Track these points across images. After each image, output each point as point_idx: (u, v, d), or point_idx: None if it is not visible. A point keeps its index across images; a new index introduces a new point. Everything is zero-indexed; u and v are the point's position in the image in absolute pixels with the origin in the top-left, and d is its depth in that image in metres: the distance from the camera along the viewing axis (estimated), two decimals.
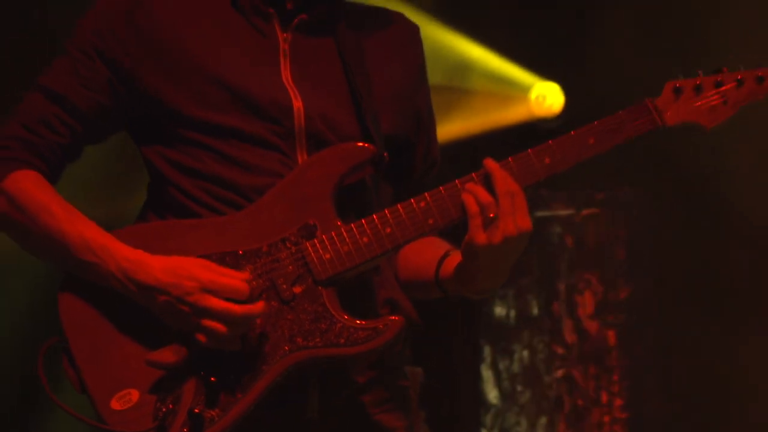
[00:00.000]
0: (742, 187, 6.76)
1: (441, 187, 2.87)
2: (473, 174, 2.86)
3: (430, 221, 2.84)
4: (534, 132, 7.18)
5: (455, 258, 2.97)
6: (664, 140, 5.65)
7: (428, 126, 3.17)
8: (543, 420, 7.47)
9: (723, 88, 2.94)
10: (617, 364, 7.35)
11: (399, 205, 2.85)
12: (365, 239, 2.83)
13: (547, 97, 7.24)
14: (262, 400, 2.78)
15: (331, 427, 2.88)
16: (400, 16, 3.22)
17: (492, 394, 7.53)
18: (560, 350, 7.46)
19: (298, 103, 2.92)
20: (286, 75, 2.96)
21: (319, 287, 2.80)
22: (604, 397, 7.34)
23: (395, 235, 2.84)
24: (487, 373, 7.55)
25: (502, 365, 7.54)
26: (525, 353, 7.54)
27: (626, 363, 7.36)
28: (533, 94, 7.25)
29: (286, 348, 2.78)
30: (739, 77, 2.94)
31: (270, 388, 2.78)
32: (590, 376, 7.40)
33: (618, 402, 7.32)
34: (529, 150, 2.86)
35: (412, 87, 3.14)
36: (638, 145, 2.91)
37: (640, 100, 2.94)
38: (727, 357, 6.78)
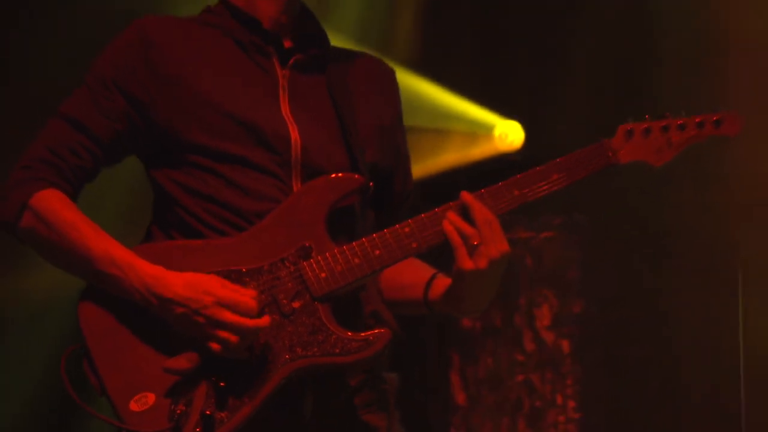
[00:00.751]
0: (680, 214, 6.96)
1: (423, 215, 3.00)
2: (451, 204, 2.99)
3: (414, 245, 2.96)
4: (499, 165, 7.48)
5: (442, 281, 3.12)
6: (614, 174, 6.19)
7: (405, 159, 3.29)
8: (505, 420, 7.77)
9: (668, 132, 3.12)
10: (571, 370, 7.66)
11: (386, 230, 2.97)
12: (356, 260, 2.95)
13: (509, 134, 7.56)
14: (267, 403, 2.89)
15: (325, 426, 2.99)
16: (380, 61, 3.37)
17: (460, 397, 7.81)
18: (520, 358, 7.76)
19: (295, 135, 3.04)
20: (285, 109, 3.08)
21: (316, 302, 2.92)
22: (559, 400, 7.67)
23: (383, 256, 2.95)
24: (455, 378, 7.83)
25: (468, 370, 7.84)
26: (489, 360, 7.82)
27: (578, 369, 7.66)
28: (497, 132, 7.57)
29: (287, 356, 2.90)
30: (680, 122, 3.12)
31: (273, 393, 2.89)
32: (547, 381, 7.72)
33: (571, 404, 7.64)
34: (500, 183, 3.01)
35: (392, 124, 3.26)
36: (591, 177, 3.05)
37: (597, 140, 3.09)
38: (663, 364, 7.13)
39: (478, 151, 7.59)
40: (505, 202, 2.97)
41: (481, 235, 2.91)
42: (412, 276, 3.16)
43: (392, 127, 3.26)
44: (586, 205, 7.41)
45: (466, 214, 2.94)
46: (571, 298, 7.49)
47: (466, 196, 2.95)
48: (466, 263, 2.92)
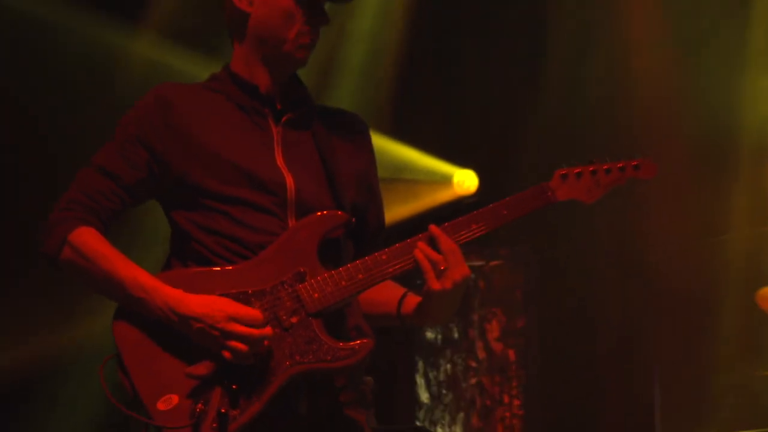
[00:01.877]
0: (605, 241, 7.48)
1: (397, 245, 3.09)
2: (420, 235, 3.07)
3: (390, 269, 3.06)
4: (458, 207, 7.87)
5: (412, 298, 3.20)
6: (550, 212, 6.41)
7: (378, 198, 3.36)
8: (461, 415, 8.24)
9: (596, 175, 3.22)
10: (515, 375, 8.20)
11: (367, 258, 3.07)
12: (343, 282, 3.04)
13: (465, 181, 8.04)
14: (271, 402, 2.96)
15: (317, 420, 3.05)
16: (355, 116, 3.43)
17: (424, 396, 8.27)
18: (474, 364, 8.23)
19: (289, 181, 3.12)
20: (279, 159, 3.15)
21: (310, 318, 3.01)
22: (506, 399, 8.20)
23: (365, 280, 3.04)
24: (420, 380, 8.27)
25: (431, 374, 8.26)
26: (448, 366, 8.27)
27: (522, 374, 8.19)
28: (455, 180, 8.02)
29: (288, 363, 2.97)
30: (606, 167, 3.23)
31: (277, 393, 2.97)
32: (496, 383, 8.22)
33: (516, 402, 8.18)
34: (460, 218, 3.10)
35: (366, 168, 3.33)
36: (533, 213, 3.19)
37: (538, 183, 3.19)
38: (589, 369, 7.77)
39: (440, 197, 8.00)
40: (464, 234, 3.07)
41: (446, 261, 3.01)
42: (386, 294, 3.21)
43: (366, 172, 3.32)
44: (526, 238, 7.87)
45: (433, 243, 3.04)
46: (516, 315, 8.00)
47: (433, 228, 3.05)
48: (434, 284, 3.03)
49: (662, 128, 7.19)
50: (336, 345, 2.98)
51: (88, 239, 3.07)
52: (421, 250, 3.03)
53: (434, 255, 3.02)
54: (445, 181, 8.09)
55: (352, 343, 2.99)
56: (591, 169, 3.21)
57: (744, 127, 7.19)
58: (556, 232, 7.56)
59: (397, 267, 3.06)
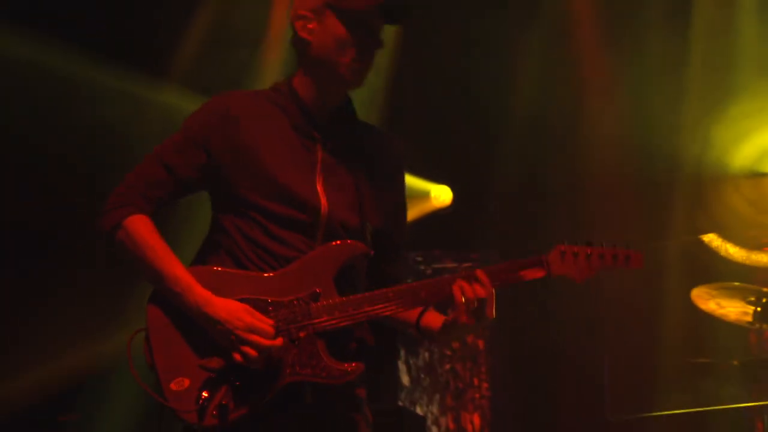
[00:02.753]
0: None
1: (424, 281, 3.12)
2: (455, 275, 3.10)
3: (393, 307, 3.09)
4: (433, 218, 8.02)
5: (431, 315, 3.23)
6: (515, 224, 6.31)
7: (403, 219, 3.39)
8: (437, 396, 8.40)
9: (590, 259, 3.18)
10: (484, 362, 8.42)
11: (376, 291, 3.11)
12: (350, 310, 3.08)
13: (440, 195, 8.23)
14: (269, 403, 3.02)
15: (323, 405, 3.11)
16: (394, 139, 3.41)
17: (405, 379, 8.42)
18: (448, 352, 8.41)
19: (324, 206, 3.14)
20: (319, 184, 3.17)
21: (316, 335, 3.05)
22: (476, 382, 8.40)
23: (370, 312, 3.09)
24: (402, 366, 8.44)
25: (411, 361, 8.42)
26: (426, 354, 8.45)
27: (490, 360, 8.42)
28: (432, 194, 8.22)
29: (288, 371, 3.03)
30: (600, 252, 3.20)
31: (273, 396, 3.03)
32: (467, 369, 8.42)
33: (485, 385, 8.41)
34: (490, 267, 3.11)
35: (396, 193, 3.36)
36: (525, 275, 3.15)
37: (538, 255, 3.18)
38: (548, 356, 7.94)
39: (418, 210, 8.06)
40: (496, 281, 3.11)
41: (480, 303, 3.07)
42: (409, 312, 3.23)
43: (395, 196, 3.35)
44: (496, 243, 8.02)
45: (470, 282, 3.08)
46: None
47: (479, 272, 3.09)
48: (463, 318, 3.09)
49: (613, 155, 7.46)
50: (332, 365, 3.02)
51: (140, 227, 3.15)
52: (460, 288, 3.08)
53: (470, 294, 3.07)
54: (424, 195, 8.19)
55: (345, 366, 3.03)
56: (587, 251, 3.19)
57: (682, 157, 7.48)
58: (524, 242, 7.57)
59: (401, 305, 3.09)
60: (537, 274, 3.15)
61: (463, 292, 3.07)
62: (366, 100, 6.29)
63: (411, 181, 7.29)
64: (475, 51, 7.83)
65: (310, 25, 3.19)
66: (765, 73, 7.39)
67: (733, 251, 7.34)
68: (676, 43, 7.50)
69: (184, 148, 3.19)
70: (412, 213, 6.89)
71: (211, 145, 3.17)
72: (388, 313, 3.10)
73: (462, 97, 8.00)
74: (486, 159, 8.12)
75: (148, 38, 6.80)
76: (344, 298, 3.07)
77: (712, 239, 7.38)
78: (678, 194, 7.49)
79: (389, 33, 3.50)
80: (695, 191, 7.49)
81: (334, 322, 3.06)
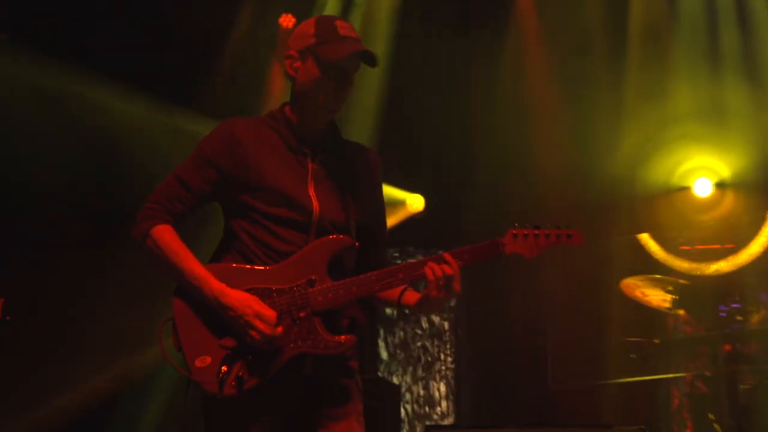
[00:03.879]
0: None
1: (393, 266, 3.30)
2: (426, 258, 3.27)
3: (376, 287, 3.30)
4: (410, 223, 8.49)
5: (411, 293, 3.39)
6: (468, 223, 6.77)
7: (383, 217, 3.55)
8: (410, 368, 8.99)
9: (538, 239, 3.37)
10: (449, 340, 9.04)
11: (362, 275, 3.30)
12: (341, 291, 3.28)
13: (414, 203, 8.74)
14: (278, 372, 3.24)
15: (321, 375, 3.30)
16: (371, 151, 3.57)
17: (383, 354, 8.93)
18: (419, 331, 9.03)
19: (316, 208, 3.33)
20: (311, 190, 3.36)
21: (314, 314, 3.26)
22: (442, 357, 9.01)
23: (358, 292, 3.29)
24: (381, 343, 8.96)
25: (389, 339, 8.93)
26: (401, 333, 9.02)
27: (453, 338, 9.03)
28: (408, 202, 8.72)
29: (292, 345, 3.23)
30: (546, 233, 3.38)
31: (283, 366, 3.24)
32: (435, 346, 9.03)
33: (449, 359, 9.03)
34: (455, 249, 3.27)
35: (376, 195, 3.54)
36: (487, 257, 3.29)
37: (494, 239, 3.35)
38: (492, 332, 8.37)
39: (395, 217, 8.56)
40: (460, 261, 3.29)
41: (447, 279, 3.23)
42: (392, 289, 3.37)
43: (375, 198, 3.53)
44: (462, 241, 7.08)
45: (439, 264, 3.23)
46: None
47: (446, 255, 3.25)
48: (434, 293, 3.27)
49: (560, 173, 7.89)
50: (328, 337, 3.21)
51: (164, 235, 3.35)
52: (431, 268, 3.26)
53: (439, 272, 3.25)
54: (400, 203, 8.69)
55: (340, 337, 3.22)
56: (535, 232, 3.37)
57: (622, 176, 7.81)
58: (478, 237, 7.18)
59: (383, 285, 3.28)
60: (493, 251, 3.33)
61: (434, 271, 3.26)
62: (359, 119, 7.56)
63: (390, 190, 8.29)
64: (446, 88, 8.25)
65: (296, 64, 3.43)
66: (694, 104, 7.64)
67: (655, 250, 7.80)
68: (615, 77, 7.83)
69: (198, 167, 3.41)
70: (391, 218, 6.38)
71: (220, 164, 3.39)
72: (373, 293, 3.32)
73: (435, 123, 8.42)
74: (455, 174, 8.53)
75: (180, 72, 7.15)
76: (336, 282, 3.28)
77: (643, 239, 7.81)
78: (617, 210, 7.77)
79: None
80: (630, 206, 7.79)
81: (328, 303, 3.27)
